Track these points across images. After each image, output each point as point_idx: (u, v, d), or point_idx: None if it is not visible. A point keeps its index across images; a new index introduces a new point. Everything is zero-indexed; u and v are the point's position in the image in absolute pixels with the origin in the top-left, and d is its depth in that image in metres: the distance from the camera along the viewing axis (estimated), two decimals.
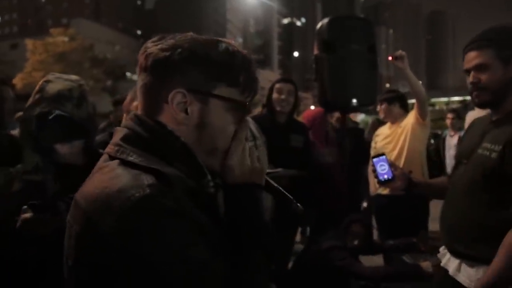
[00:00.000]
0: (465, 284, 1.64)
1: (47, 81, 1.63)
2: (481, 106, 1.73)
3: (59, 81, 1.63)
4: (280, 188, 0.89)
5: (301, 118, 3.89)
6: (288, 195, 0.89)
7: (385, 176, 1.84)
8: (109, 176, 0.75)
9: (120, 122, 2.27)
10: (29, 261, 1.50)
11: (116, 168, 0.76)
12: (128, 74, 43.78)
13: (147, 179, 0.72)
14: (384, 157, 1.86)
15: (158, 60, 0.81)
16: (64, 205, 1.56)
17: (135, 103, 2.15)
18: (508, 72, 1.62)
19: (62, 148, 1.60)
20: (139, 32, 74.17)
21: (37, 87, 1.63)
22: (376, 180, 1.89)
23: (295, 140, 3.24)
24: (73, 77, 1.74)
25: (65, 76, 1.69)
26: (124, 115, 2.24)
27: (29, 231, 1.44)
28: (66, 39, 31.00)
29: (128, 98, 2.17)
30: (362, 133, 4.98)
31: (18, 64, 32.09)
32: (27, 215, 1.43)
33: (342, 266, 2.66)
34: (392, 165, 1.87)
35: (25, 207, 1.43)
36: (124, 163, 0.77)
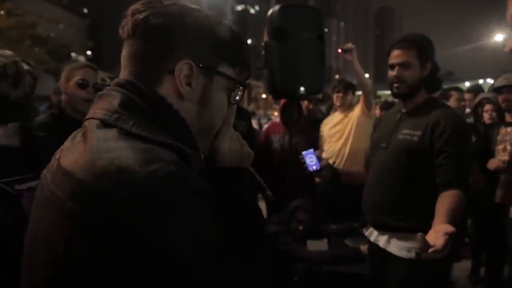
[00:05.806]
0: (395, 253, 1.91)
1: None
2: (398, 96, 2.01)
3: None
4: (256, 175, 0.86)
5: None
6: (263, 182, 0.86)
7: (314, 167, 2.04)
8: (113, 146, 0.65)
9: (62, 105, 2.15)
10: None
11: (120, 138, 0.67)
12: (73, 54, 41.59)
13: (168, 155, 0.66)
14: (312, 150, 2.07)
15: (163, 27, 0.74)
16: None
17: (71, 82, 2.04)
18: (423, 72, 1.94)
19: None
20: (85, 10, 70.46)
21: None
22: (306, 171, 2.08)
23: (239, 125, 3.26)
24: (8, 52, 1.62)
25: None
26: (63, 95, 2.12)
27: None
28: (1, 13, 28.76)
29: (63, 77, 2.05)
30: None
31: None
32: None
33: (286, 251, 2.73)
34: (319, 157, 2.07)
35: None
36: (128, 133, 0.68)
